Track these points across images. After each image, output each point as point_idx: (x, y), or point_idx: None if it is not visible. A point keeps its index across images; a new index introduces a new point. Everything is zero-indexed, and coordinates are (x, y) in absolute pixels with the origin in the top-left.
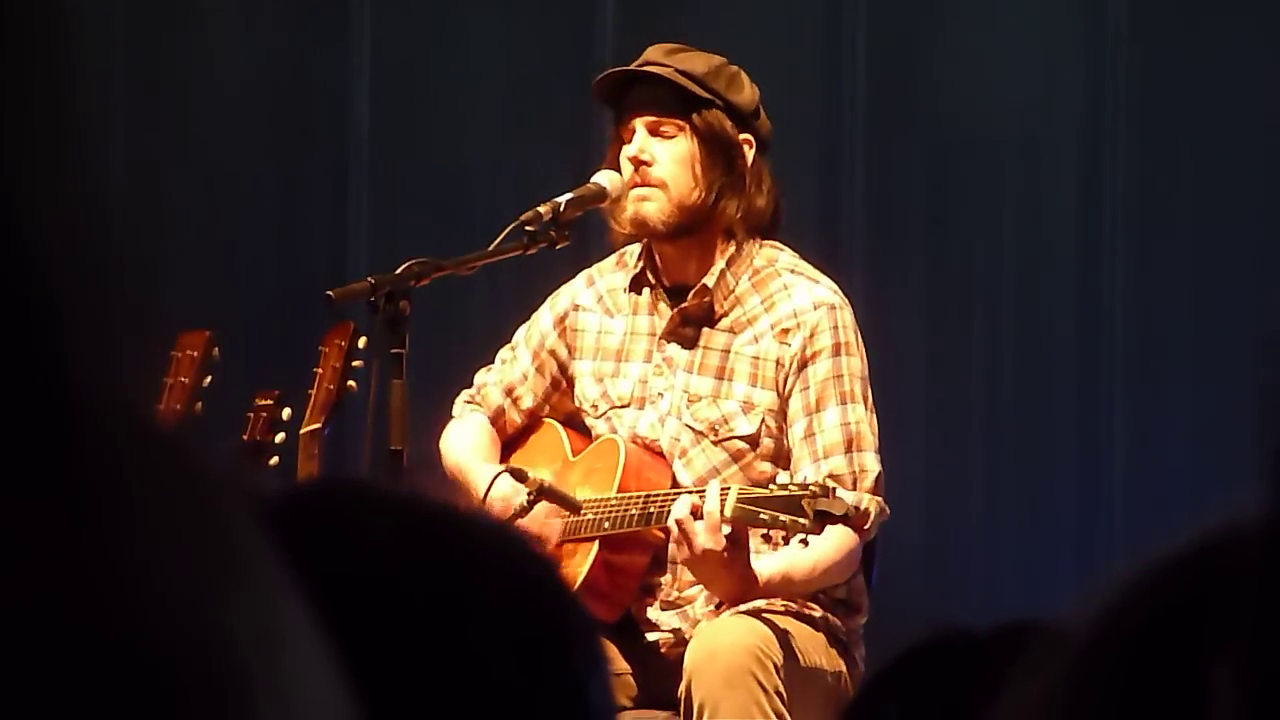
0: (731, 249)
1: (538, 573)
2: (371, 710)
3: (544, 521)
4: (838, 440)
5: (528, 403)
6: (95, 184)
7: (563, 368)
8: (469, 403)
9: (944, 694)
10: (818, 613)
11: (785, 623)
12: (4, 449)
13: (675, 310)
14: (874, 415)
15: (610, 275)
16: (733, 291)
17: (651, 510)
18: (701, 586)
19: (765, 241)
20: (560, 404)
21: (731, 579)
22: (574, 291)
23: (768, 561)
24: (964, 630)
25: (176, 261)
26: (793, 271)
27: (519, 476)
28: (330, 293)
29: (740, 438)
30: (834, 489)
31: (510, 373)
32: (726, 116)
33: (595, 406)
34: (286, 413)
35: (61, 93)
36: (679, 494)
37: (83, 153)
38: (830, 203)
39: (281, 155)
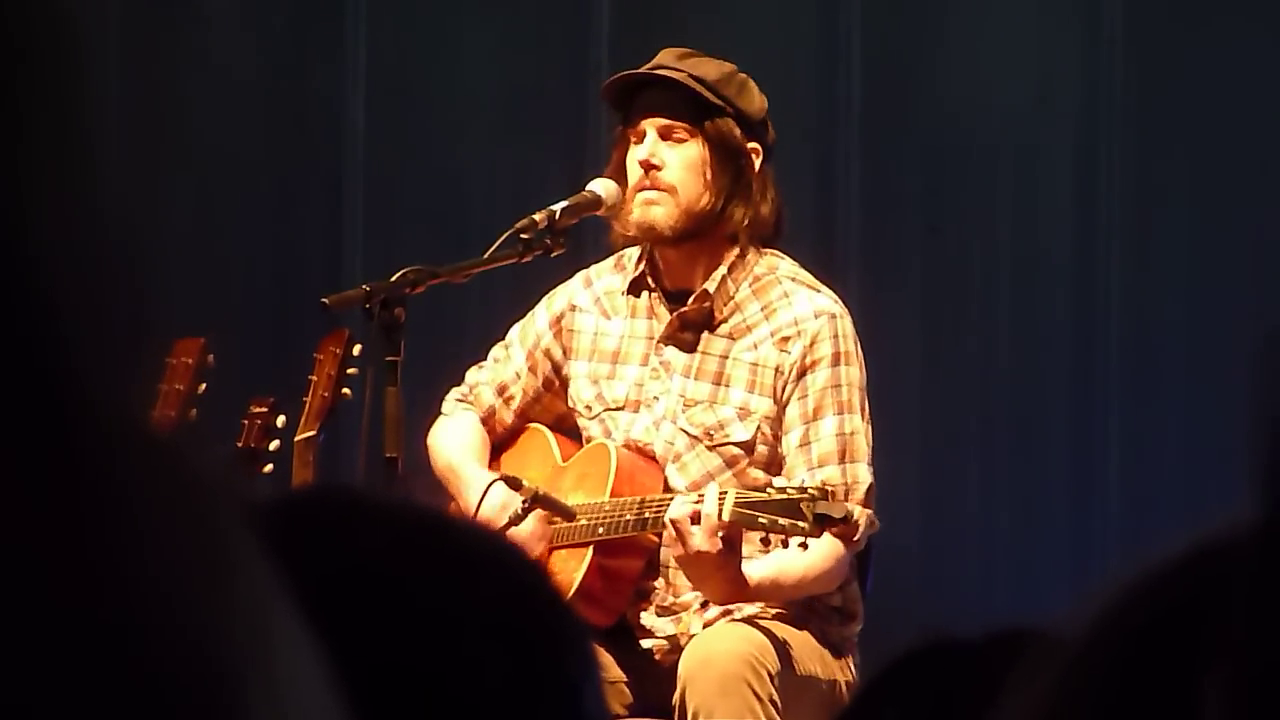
0: (733, 255)
1: (531, 579)
2: (366, 716)
3: (536, 529)
4: (832, 450)
5: (519, 402)
6: (100, 192)
7: (557, 368)
8: (460, 401)
9: (938, 701)
10: (813, 620)
11: (780, 630)
12: (2, 452)
13: (674, 314)
14: (870, 426)
15: (608, 277)
16: (732, 298)
17: (646, 515)
18: (696, 594)
19: (766, 249)
20: (551, 404)
21: (723, 581)
22: (571, 292)
23: (758, 565)
24: (958, 637)
25: (171, 268)
26: (793, 279)
27: (513, 484)
28: (325, 300)
29: (736, 444)
30: (833, 492)
31: (503, 371)
32: (736, 124)
33: (589, 408)
34: (281, 420)
35: (70, 101)
36: (674, 498)
37: (89, 160)
38: (826, 207)
39: (277, 162)
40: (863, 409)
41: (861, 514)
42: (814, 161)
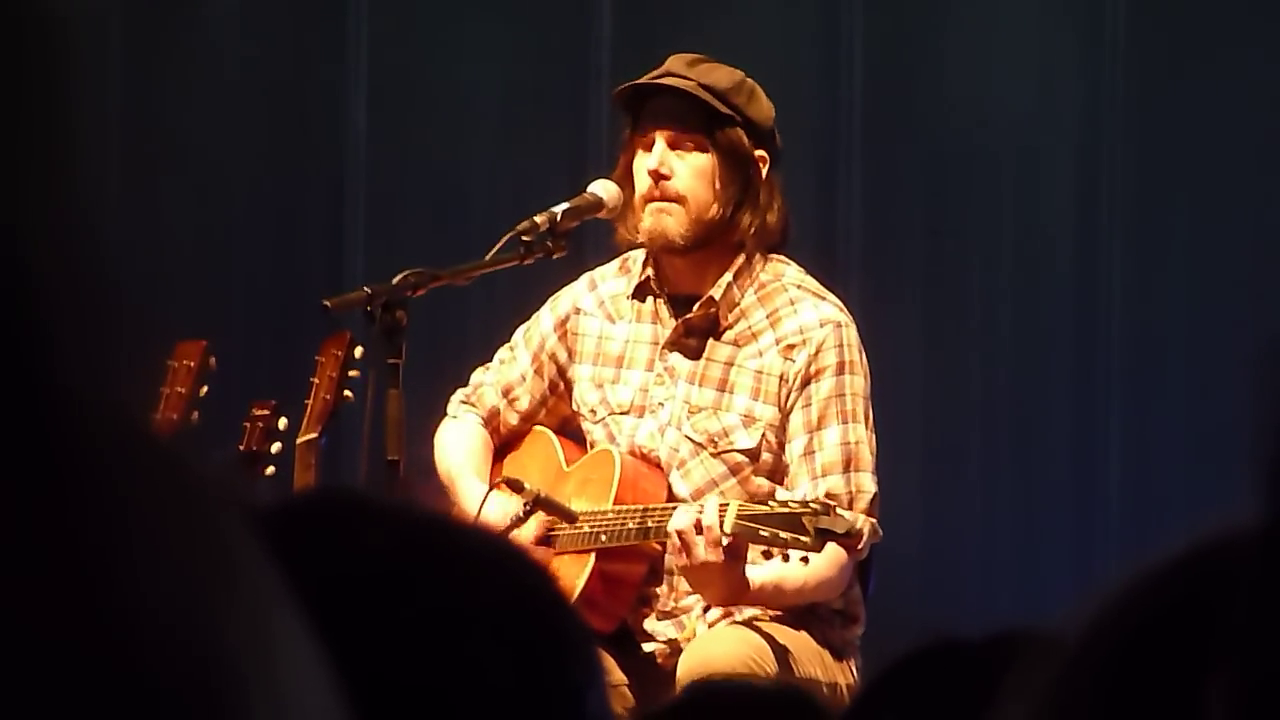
0: (739, 262)
1: (534, 582)
2: None
3: (538, 532)
4: (837, 459)
5: (524, 404)
6: (90, 194)
7: (561, 371)
8: (464, 403)
9: (940, 703)
10: (814, 623)
11: (780, 633)
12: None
13: (680, 320)
14: (874, 435)
15: (613, 280)
16: (738, 304)
17: (649, 524)
18: (698, 597)
19: (771, 256)
20: (556, 407)
21: (725, 586)
22: (575, 295)
23: (761, 570)
24: (960, 639)
25: (172, 271)
26: (799, 287)
27: (515, 487)
28: (327, 302)
29: (740, 451)
30: (834, 506)
31: (508, 373)
32: (745, 133)
33: (594, 412)
34: (283, 423)
35: (58, 103)
36: (676, 508)
37: (79, 161)
38: (827, 213)
39: (278, 164)
40: (867, 418)
41: (865, 522)
42: (816, 166)
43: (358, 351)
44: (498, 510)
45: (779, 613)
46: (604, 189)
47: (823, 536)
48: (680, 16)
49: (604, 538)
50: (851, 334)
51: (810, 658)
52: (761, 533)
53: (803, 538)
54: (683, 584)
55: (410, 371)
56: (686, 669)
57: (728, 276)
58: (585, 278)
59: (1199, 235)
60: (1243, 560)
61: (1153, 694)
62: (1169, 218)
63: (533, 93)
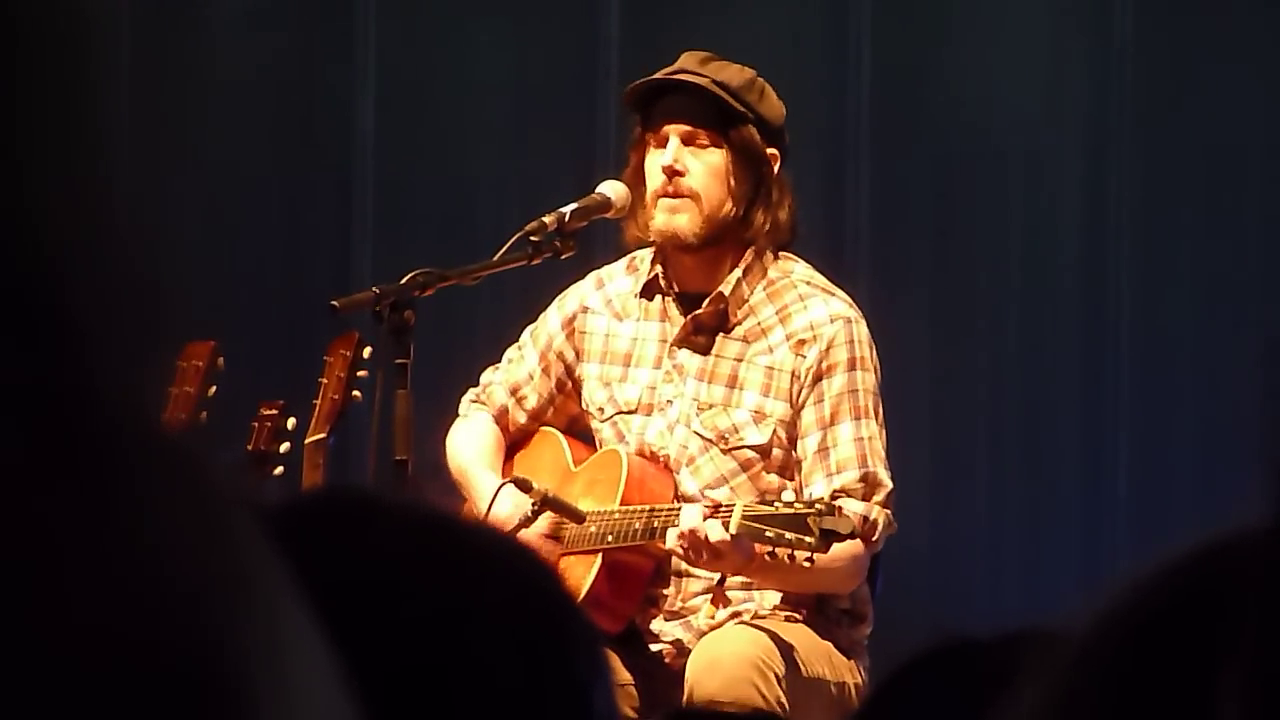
0: (748, 259)
1: (541, 581)
2: (377, 718)
3: (546, 532)
4: (851, 455)
5: (532, 403)
6: (112, 191)
7: (569, 370)
8: (474, 401)
9: (952, 701)
10: (821, 622)
11: (788, 632)
12: (17, 449)
13: (689, 318)
14: (884, 430)
15: (620, 279)
16: (747, 301)
17: (655, 525)
18: (706, 597)
19: (780, 253)
20: (564, 406)
21: (731, 567)
22: (582, 293)
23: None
24: (972, 637)
25: (181, 270)
26: (808, 283)
27: (524, 486)
28: (335, 302)
29: (751, 447)
30: (840, 507)
31: (516, 372)
32: (757, 131)
33: (602, 410)
34: (291, 422)
35: (83, 102)
36: (683, 509)
37: (105, 161)
38: (835, 213)
39: (286, 164)
40: (878, 413)
41: (880, 513)
42: (824, 166)
43: (366, 352)
44: (506, 509)
45: (787, 611)
46: (612, 189)
47: (828, 538)
48: (688, 17)
49: (611, 538)
50: (862, 329)
51: (818, 657)
52: (767, 534)
53: (807, 538)
54: (690, 584)
55: (418, 372)
56: (694, 669)
57: (737, 273)
58: (592, 276)
59: (1207, 235)
60: (1252, 557)
61: (1160, 690)
62: (1177, 218)
63: (540, 93)
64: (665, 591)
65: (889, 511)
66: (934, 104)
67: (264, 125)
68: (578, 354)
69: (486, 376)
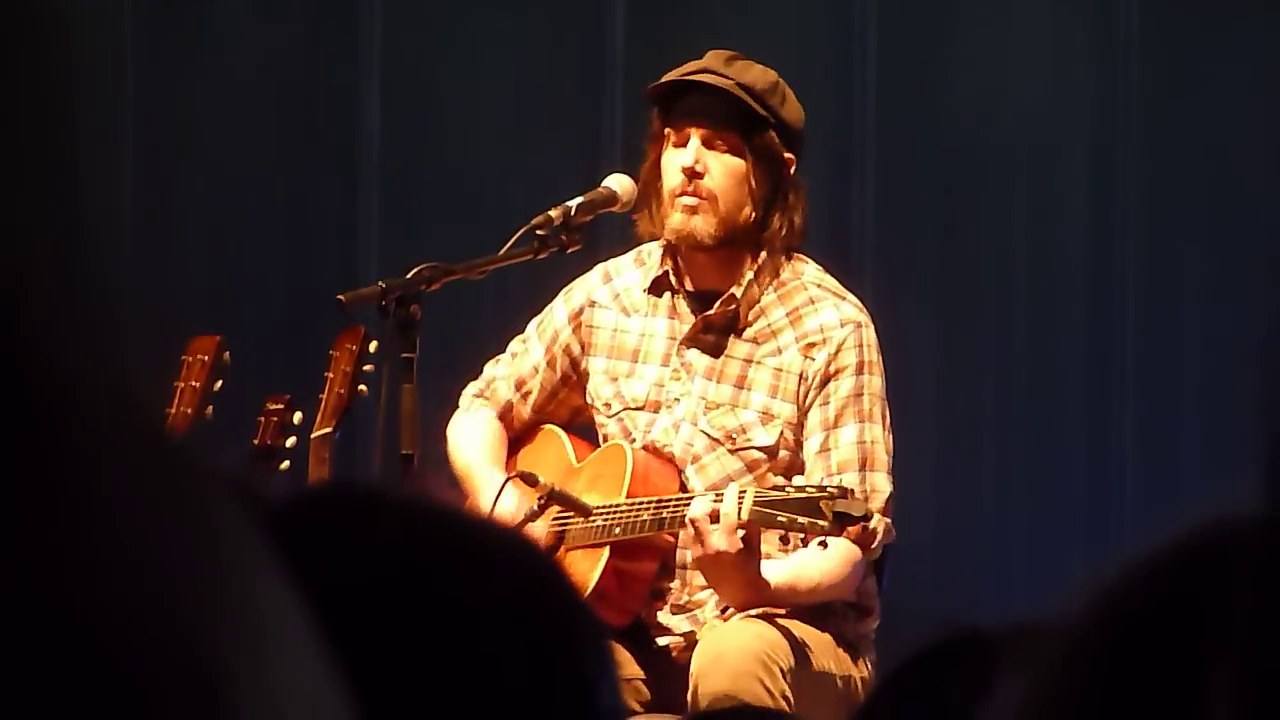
0: (761, 260)
1: (547, 576)
2: (381, 714)
3: (550, 525)
4: (852, 458)
5: (537, 396)
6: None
7: (575, 364)
8: (477, 396)
9: (960, 692)
10: (828, 617)
11: (793, 626)
12: None
13: (699, 317)
14: (890, 435)
15: (628, 273)
16: (757, 302)
17: (663, 515)
18: (711, 590)
19: (791, 254)
20: (568, 399)
21: (740, 583)
22: (589, 287)
23: (775, 569)
24: (980, 629)
25: (186, 266)
26: (819, 286)
27: (529, 481)
28: (341, 297)
29: (758, 448)
30: (852, 490)
31: (521, 365)
32: (777, 135)
33: (608, 405)
34: (297, 417)
35: (59, 103)
36: (691, 498)
37: (78, 158)
38: (841, 210)
39: (292, 159)
40: (884, 418)
41: (879, 521)
42: (830, 162)
43: (372, 346)
44: (512, 504)
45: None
46: (618, 183)
47: (840, 520)
48: (694, 12)
49: (618, 530)
50: (870, 335)
51: (824, 651)
52: (779, 518)
53: (820, 522)
54: (696, 578)
55: (424, 366)
56: (699, 663)
57: (749, 274)
58: (599, 269)
59: (1212, 230)
60: (1244, 551)
61: (1148, 679)
62: (1183, 213)
63: (546, 87)
64: (671, 585)
65: (888, 520)
66: (940, 100)
67: (270, 120)
68: (584, 348)
69: (489, 369)
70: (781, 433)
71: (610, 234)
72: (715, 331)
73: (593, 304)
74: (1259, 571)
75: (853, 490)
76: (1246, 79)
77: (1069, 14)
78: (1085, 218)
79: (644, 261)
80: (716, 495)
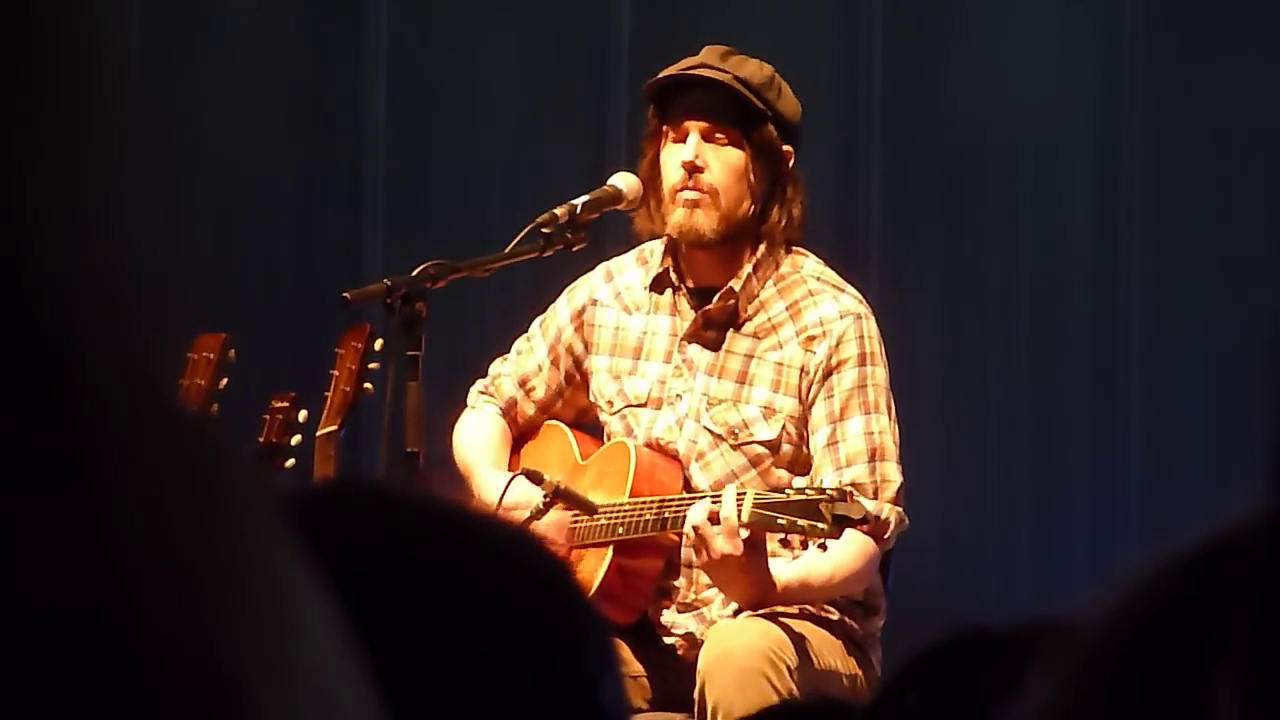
0: (760, 254)
1: (550, 573)
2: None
3: (557, 523)
4: (860, 449)
5: (541, 395)
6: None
7: (578, 362)
8: (483, 393)
9: (965, 690)
10: (834, 615)
11: (800, 625)
12: None
13: (699, 312)
14: (897, 426)
15: (630, 271)
16: (757, 296)
17: (666, 515)
18: (718, 589)
19: (791, 248)
20: (573, 398)
21: (749, 583)
22: (592, 286)
23: (786, 567)
24: (986, 627)
25: (192, 264)
26: (819, 279)
27: (534, 478)
28: (346, 295)
29: (761, 443)
30: (851, 493)
31: (525, 364)
32: (775, 128)
33: (611, 403)
34: (303, 415)
35: (85, 92)
36: (694, 498)
37: (103, 148)
38: (846, 204)
39: (297, 157)
40: (889, 408)
41: (891, 511)
42: (835, 156)
43: (377, 344)
44: (517, 501)
45: (802, 605)
46: (624, 181)
47: (840, 523)
48: (699, 8)
49: (621, 529)
50: (871, 325)
51: (830, 649)
52: (779, 520)
53: (820, 524)
54: (703, 576)
55: (429, 363)
56: (706, 661)
57: (747, 268)
58: (601, 268)
59: (1218, 224)
60: (1252, 550)
61: (1169, 685)
62: (1188, 206)
63: (552, 85)
64: (677, 583)
65: (900, 509)
66: (945, 94)
67: (274, 118)
68: (586, 346)
69: (495, 368)
70: (784, 427)
71: (616, 232)
72: (715, 327)
73: (595, 302)
74: (1262, 571)
75: (853, 493)
76: (1253, 69)
77: (1074, 8)
78: (1090, 212)
79: (646, 260)
80: (714, 498)
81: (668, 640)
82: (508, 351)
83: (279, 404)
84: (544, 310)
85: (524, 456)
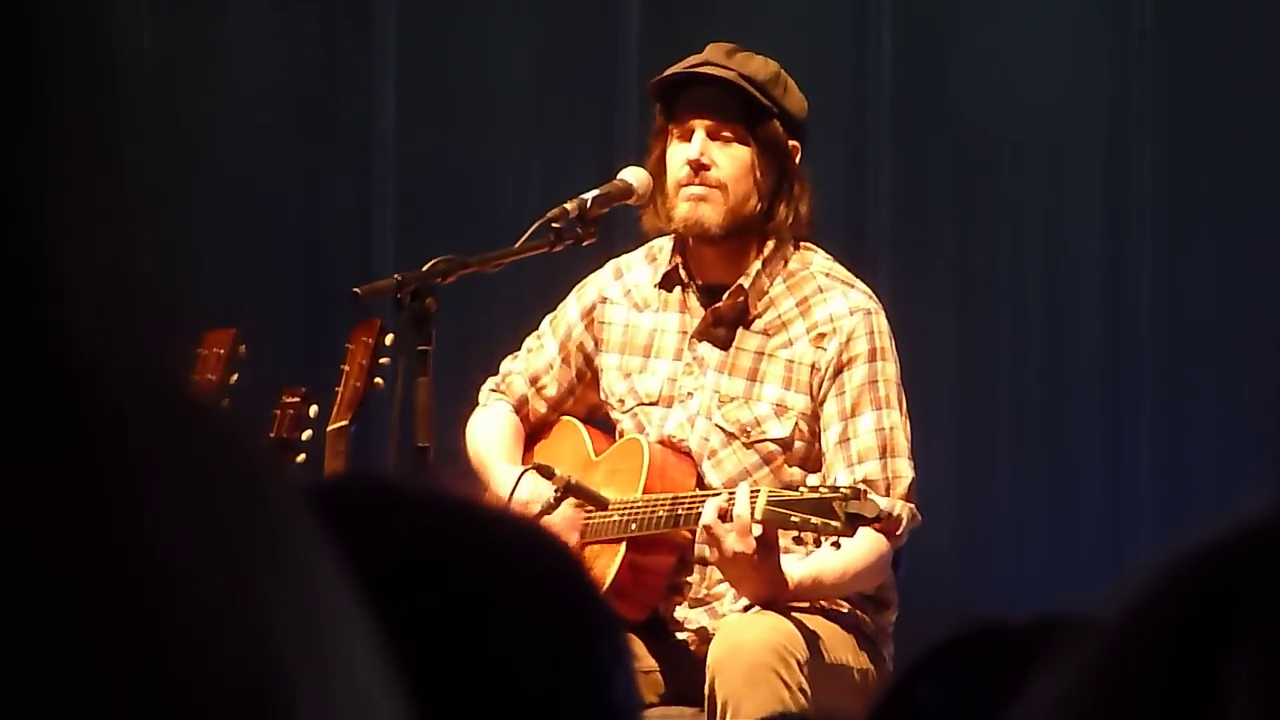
0: (768, 250)
1: (562, 568)
2: None
3: (569, 518)
4: (872, 445)
5: (552, 392)
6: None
7: (588, 360)
8: (494, 391)
9: (979, 683)
10: (845, 609)
11: (810, 620)
12: (5, 418)
13: (708, 310)
14: (908, 421)
15: (639, 268)
16: (767, 293)
17: (679, 512)
18: (729, 585)
19: (799, 244)
20: (584, 395)
21: (761, 580)
22: (601, 283)
23: (798, 564)
24: (1001, 621)
25: (203, 259)
26: (828, 275)
27: (545, 473)
28: (356, 290)
29: (773, 440)
30: (865, 491)
31: (536, 362)
32: (781, 125)
33: (622, 401)
34: (313, 410)
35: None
36: (707, 496)
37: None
38: (856, 201)
39: (307, 152)
40: (900, 404)
41: (903, 508)
42: (845, 154)
43: (388, 339)
44: (528, 496)
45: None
46: (634, 176)
47: (854, 521)
48: (708, 6)
49: (634, 526)
50: (881, 321)
51: (841, 644)
52: (792, 519)
53: (833, 522)
54: (715, 572)
55: (440, 358)
56: (716, 656)
57: (756, 265)
58: (611, 265)
59: (1228, 220)
60: (1266, 548)
61: (1188, 680)
62: (1198, 203)
63: (561, 81)
64: (689, 579)
65: (912, 505)
66: (954, 90)
67: (285, 113)
68: (597, 344)
69: (506, 365)
70: (796, 424)
71: (625, 227)
72: (725, 324)
73: (604, 300)
74: (1275, 568)
75: (866, 490)
76: (1262, 66)
77: (1084, 5)
78: (1100, 209)
79: (655, 257)
80: (728, 496)
81: (679, 636)
82: (517, 347)
83: (289, 399)
84: (554, 306)
85: (537, 452)
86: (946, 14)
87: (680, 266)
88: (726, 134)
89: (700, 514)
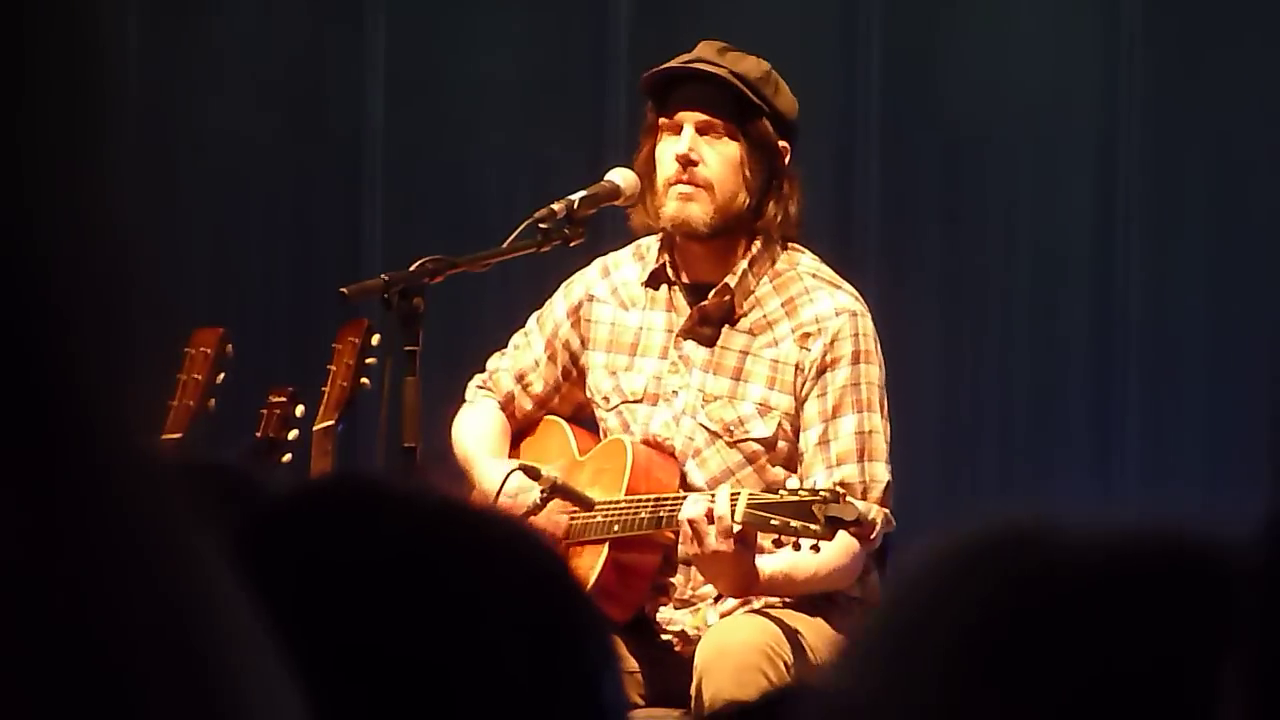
0: (755, 250)
1: (549, 568)
2: (384, 703)
3: (554, 518)
4: (851, 448)
5: (538, 389)
6: (110, 190)
7: (574, 358)
8: (481, 388)
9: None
10: (833, 610)
11: (797, 621)
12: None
13: (694, 308)
14: (889, 424)
15: (626, 267)
16: (753, 292)
17: (662, 514)
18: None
19: (787, 244)
20: (570, 394)
21: (735, 576)
22: (588, 281)
23: (771, 560)
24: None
25: (190, 259)
26: (814, 276)
27: (532, 473)
28: (344, 289)
29: (756, 440)
30: (844, 494)
31: (523, 359)
32: (771, 124)
33: (607, 399)
34: (300, 409)
35: (83, 95)
36: (688, 497)
37: (100, 158)
38: (845, 201)
39: (295, 151)
40: (882, 407)
41: (878, 513)
42: (834, 154)
43: (375, 339)
44: (514, 496)
45: (796, 600)
46: (622, 176)
47: (833, 524)
48: (698, 5)
49: (617, 527)
50: (867, 323)
51: (828, 645)
52: (772, 521)
53: (813, 526)
54: (699, 573)
55: (427, 358)
56: (703, 657)
57: (743, 264)
58: (598, 263)
59: (1216, 223)
60: (1253, 551)
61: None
62: (1186, 205)
63: (550, 81)
64: (674, 580)
65: (887, 510)
66: (944, 91)
67: (273, 112)
68: (583, 342)
69: (493, 363)
70: (780, 424)
71: (613, 227)
72: (711, 323)
73: (591, 298)
74: (1265, 571)
75: (845, 494)
76: (1251, 69)
77: (1073, 7)
78: (1089, 210)
79: (642, 255)
80: (710, 496)
81: (664, 636)
82: (505, 346)
83: (276, 399)
84: (541, 305)
85: (523, 451)
86: (936, 16)
87: (667, 265)
88: (715, 131)
89: (681, 511)
